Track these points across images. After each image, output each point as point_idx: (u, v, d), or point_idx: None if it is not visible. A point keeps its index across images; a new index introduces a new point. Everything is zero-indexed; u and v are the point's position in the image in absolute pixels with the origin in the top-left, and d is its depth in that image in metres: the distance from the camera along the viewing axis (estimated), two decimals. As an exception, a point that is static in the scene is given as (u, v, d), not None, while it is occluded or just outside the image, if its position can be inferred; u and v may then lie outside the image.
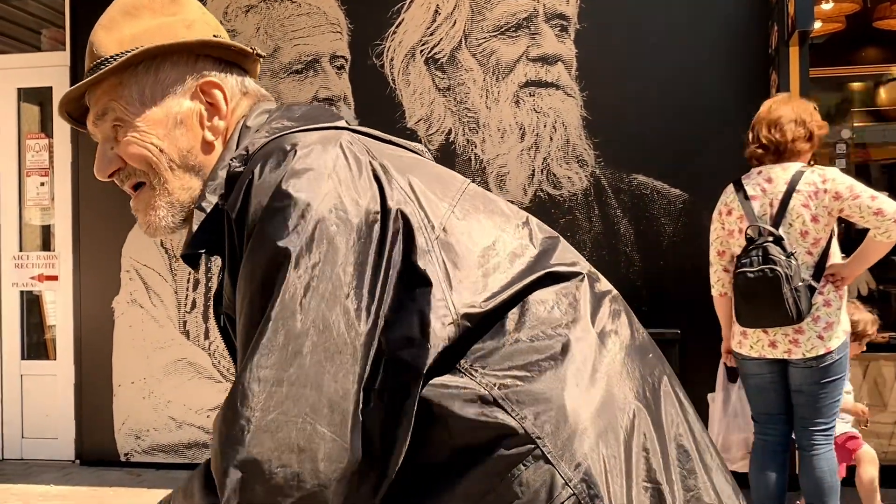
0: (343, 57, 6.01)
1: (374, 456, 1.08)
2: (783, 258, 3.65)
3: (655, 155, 5.56)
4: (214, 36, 1.37)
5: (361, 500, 1.09)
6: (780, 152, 3.84)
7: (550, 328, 1.15)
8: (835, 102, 6.68)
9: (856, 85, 6.81)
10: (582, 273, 1.24)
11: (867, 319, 4.34)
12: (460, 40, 5.82)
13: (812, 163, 3.95)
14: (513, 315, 1.15)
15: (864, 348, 4.46)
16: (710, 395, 4.31)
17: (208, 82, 1.34)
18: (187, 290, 6.13)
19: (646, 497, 1.10)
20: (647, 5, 5.62)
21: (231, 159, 1.25)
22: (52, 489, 5.74)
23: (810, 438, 3.83)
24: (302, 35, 6.05)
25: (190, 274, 6.08)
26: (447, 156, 5.85)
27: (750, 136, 3.94)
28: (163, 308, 6.14)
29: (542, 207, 5.71)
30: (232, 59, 1.40)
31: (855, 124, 6.65)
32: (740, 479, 4.38)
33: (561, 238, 1.30)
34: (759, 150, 3.88)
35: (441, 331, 1.09)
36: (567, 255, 1.26)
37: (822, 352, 3.74)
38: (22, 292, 6.64)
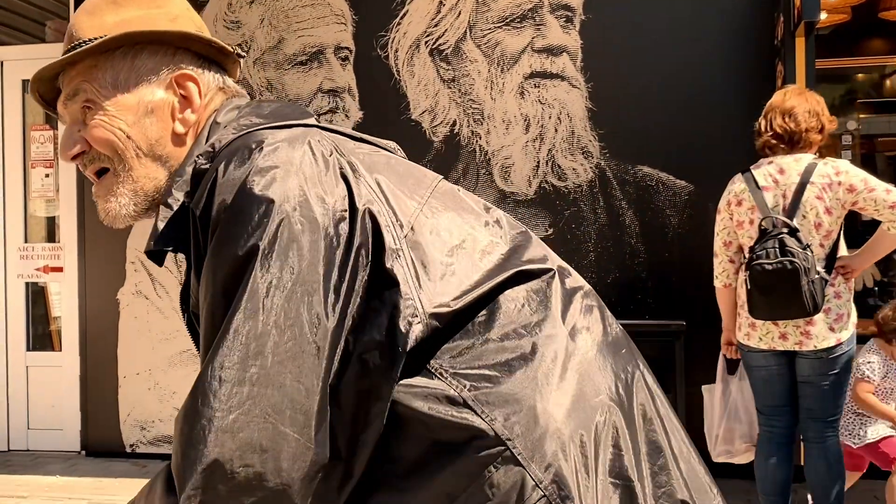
0: (347, 48, 6.00)
1: (340, 456, 1.07)
2: (800, 250, 3.63)
3: (661, 146, 5.55)
4: (197, 31, 1.36)
5: (326, 499, 1.08)
6: (793, 142, 3.82)
7: (521, 327, 1.14)
8: (840, 94, 6.66)
9: (861, 76, 6.79)
10: (552, 269, 1.22)
11: None
12: (465, 31, 5.81)
13: (817, 155, 3.94)
14: (483, 314, 1.14)
15: None
16: (704, 387, 4.30)
17: (184, 74, 1.33)
18: (192, 281, 6.13)
19: (615, 494, 1.09)
20: (652, -4, 5.61)
21: (197, 156, 1.24)
22: (57, 480, 5.76)
23: (816, 430, 3.83)
24: (306, 26, 6.04)
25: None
26: (452, 147, 5.84)
27: (762, 124, 3.91)
28: (168, 299, 6.14)
29: (547, 199, 5.70)
30: (212, 56, 1.39)
31: (860, 116, 6.63)
32: (744, 471, 4.41)
33: (531, 233, 1.29)
34: (773, 140, 3.86)
35: (410, 332, 1.08)
36: (537, 252, 1.24)
37: (832, 343, 3.74)
38: (27, 284, 6.65)
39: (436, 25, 5.85)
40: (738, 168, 4.01)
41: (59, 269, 6.52)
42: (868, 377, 4.18)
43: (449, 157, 5.85)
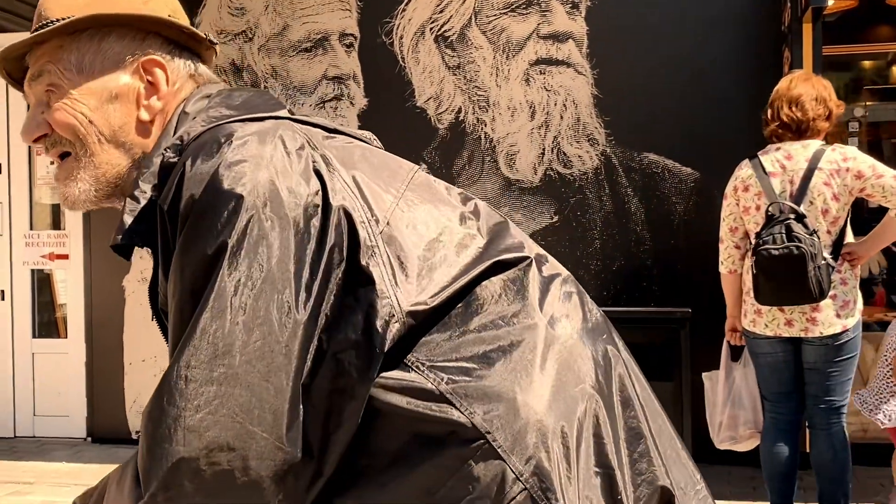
0: (352, 35, 5.99)
1: (311, 454, 1.06)
2: (807, 236, 3.62)
3: (667, 133, 5.53)
4: (169, 16, 1.32)
5: (294, 497, 1.06)
6: (801, 131, 3.81)
7: (498, 318, 1.12)
8: (847, 81, 6.63)
9: (868, 63, 6.76)
10: (529, 257, 1.20)
11: None
12: (470, 18, 5.79)
13: (825, 142, 3.92)
14: (460, 307, 1.12)
15: None
16: (704, 375, 4.28)
17: (151, 60, 1.30)
18: (197, 268, 6.13)
19: (597, 482, 1.08)
20: (658, -18, 5.58)
21: (165, 148, 1.20)
22: (63, 466, 5.78)
23: (822, 416, 3.82)
24: (311, 13, 6.02)
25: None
26: (457, 135, 5.83)
27: (769, 113, 3.89)
28: (173, 287, 6.15)
29: (553, 186, 5.69)
30: (184, 42, 1.35)
31: (867, 103, 6.61)
32: (749, 458, 4.41)
33: (509, 222, 1.27)
34: (780, 129, 3.84)
35: (387, 332, 1.06)
36: (514, 240, 1.22)
37: (838, 329, 3.73)
38: (33, 271, 6.66)
39: (441, 12, 5.83)
40: (744, 155, 4.00)
41: (65, 257, 6.52)
42: None
43: (454, 144, 5.84)
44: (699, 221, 5.38)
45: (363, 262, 1.08)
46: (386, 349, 1.06)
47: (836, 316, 3.73)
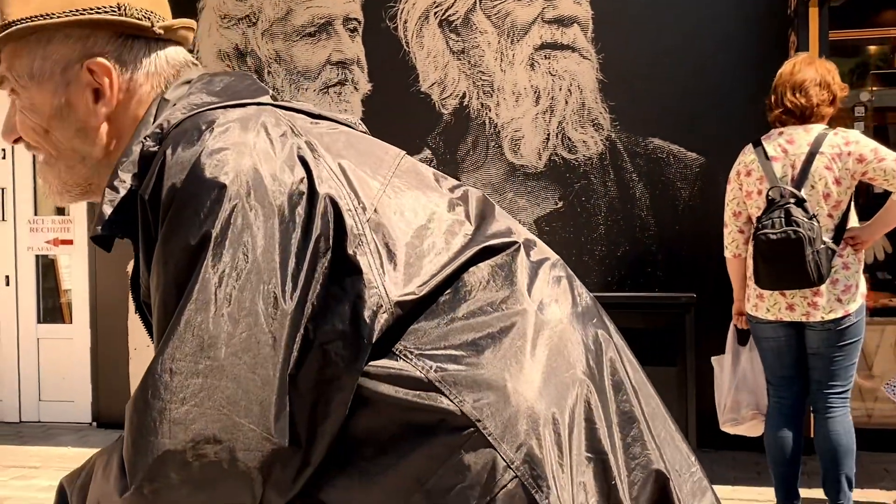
0: (356, 19, 5.96)
1: (299, 444, 1.04)
2: (805, 220, 3.62)
3: (672, 118, 5.51)
4: (119, 5, 1.24)
5: (281, 487, 1.05)
6: (805, 117, 3.80)
7: (487, 304, 1.11)
8: (854, 65, 6.60)
9: (875, 48, 6.73)
10: (517, 242, 1.18)
11: None
12: (475, 2, 5.77)
13: (828, 126, 3.91)
14: (448, 294, 1.10)
15: None
16: (713, 359, 4.30)
17: (95, 62, 1.23)
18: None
19: (589, 468, 1.07)
20: (664, -34, 5.55)
21: (145, 136, 1.17)
22: (69, 451, 5.80)
23: (826, 401, 3.82)
24: (315, -3, 6.00)
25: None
26: (461, 120, 5.81)
27: (772, 99, 3.88)
28: (177, 272, 6.15)
29: (557, 172, 5.68)
30: (135, 32, 1.27)
31: (873, 88, 6.58)
32: (754, 443, 4.41)
33: (497, 207, 1.25)
34: (784, 115, 3.83)
35: (375, 323, 1.04)
36: (502, 226, 1.20)
37: (840, 314, 3.73)
38: (37, 256, 6.67)
39: (445, -4, 5.81)
40: (749, 140, 3.98)
41: (69, 242, 6.53)
42: None
43: (458, 129, 5.82)
44: (704, 207, 5.37)
45: (350, 252, 1.06)
46: (374, 340, 1.04)
47: (837, 301, 3.73)
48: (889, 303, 5.71)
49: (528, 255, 1.19)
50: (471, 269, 1.13)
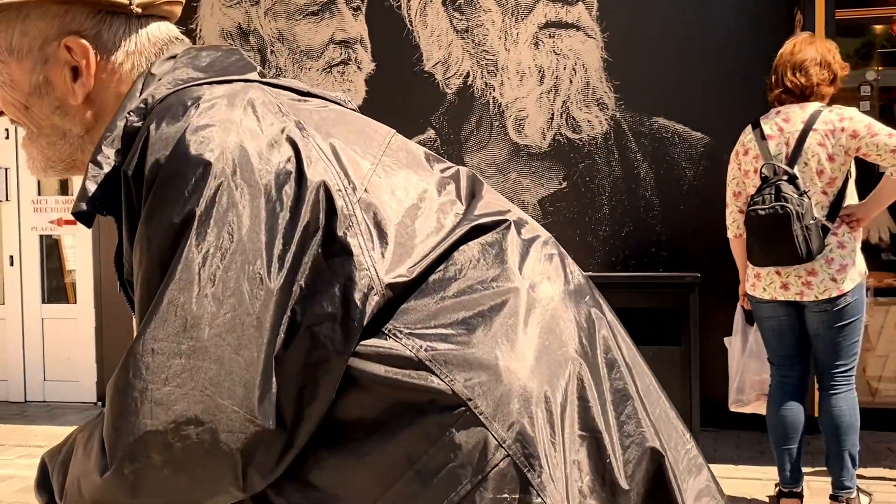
0: (360, -2, 5.94)
1: (284, 426, 1.03)
2: (795, 196, 3.62)
3: (677, 97, 5.49)
4: None
5: (264, 469, 1.04)
6: (805, 96, 3.79)
7: (477, 283, 1.09)
8: (859, 45, 6.56)
9: (881, 27, 6.69)
10: (508, 220, 1.17)
11: None
12: (479, -19, 5.73)
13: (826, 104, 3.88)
14: (438, 273, 1.09)
15: None
16: (726, 339, 4.31)
17: (72, 40, 1.20)
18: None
19: (583, 447, 1.06)
20: (669, -56, 5.51)
21: (129, 112, 1.14)
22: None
23: (830, 380, 3.83)
24: (318, -24, 5.97)
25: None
26: (465, 100, 5.79)
27: (773, 78, 3.88)
28: (181, 252, 6.16)
29: (562, 151, 5.66)
30: (113, 9, 1.25)
31: (879, 67, 6.54)
32: (757, 422, 4.41)
33: (487, 186, 1.24)
34: (784, 95, 3.83)
35: (366, 304, 1.03)
36: (492, 205, 1.19)
37: (835, 294, 3.72)
38: (41, 236, 6.67)
39: (449, -25, 5.78)
40: (755, 119, 3.97)
41: (73, 223, 6.53)
42: None
43: (462, 109, 5.81)
44: (709, 186, 5.35)
45: (340, 233, 1.04)
46: (365, 323, 1.03)
47: (832, 280, 3.71)
48: (894, 283, 5.70)
49: (519, 232, 1.17)
50: (461, 247, 1.11)
